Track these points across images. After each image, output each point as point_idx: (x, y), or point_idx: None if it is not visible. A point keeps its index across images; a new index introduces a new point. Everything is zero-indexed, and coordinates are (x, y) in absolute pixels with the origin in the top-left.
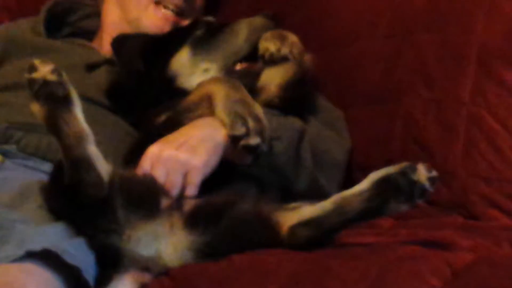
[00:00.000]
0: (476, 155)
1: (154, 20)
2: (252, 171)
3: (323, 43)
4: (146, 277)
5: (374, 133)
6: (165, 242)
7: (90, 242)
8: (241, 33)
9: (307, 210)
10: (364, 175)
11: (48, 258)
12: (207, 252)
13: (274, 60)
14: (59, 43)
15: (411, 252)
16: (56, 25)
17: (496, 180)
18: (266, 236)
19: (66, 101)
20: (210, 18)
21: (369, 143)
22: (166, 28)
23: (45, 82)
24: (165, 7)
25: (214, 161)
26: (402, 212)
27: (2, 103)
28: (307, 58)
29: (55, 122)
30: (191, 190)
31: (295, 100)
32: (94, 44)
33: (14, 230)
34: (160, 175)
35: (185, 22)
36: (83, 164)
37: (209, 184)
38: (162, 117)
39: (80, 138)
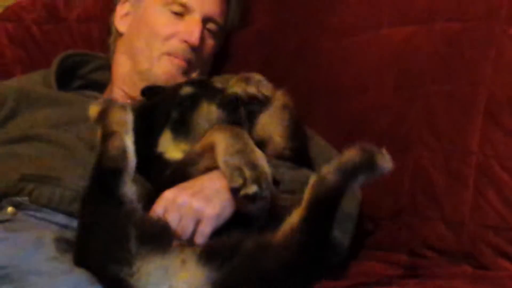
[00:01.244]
0: (484, 205)
1: (168, 68)
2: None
3: (332, 93)
4: None
5: (384, 184)
6: (177, 278)
7: (102, 279)
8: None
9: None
10: (374, 225)
11: None
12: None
13: (245, 102)
14: (69, 96)
15: None
16: (67, 77)
17: (505, 229)
18: (274, 260)
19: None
20: (186, 89)
21: (379, 195)
22: (179, 78)
23: None
24: (177, 57)
25: (227, 213)
26: (410, 263)
27: (15, 155)
28: (280, 94)
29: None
30: (201, 239)
31: (303, 148)
32: (105, 96)
33: (27, 282)
34: (173, 219)
35: (194, 74)
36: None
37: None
38: (169, 170)
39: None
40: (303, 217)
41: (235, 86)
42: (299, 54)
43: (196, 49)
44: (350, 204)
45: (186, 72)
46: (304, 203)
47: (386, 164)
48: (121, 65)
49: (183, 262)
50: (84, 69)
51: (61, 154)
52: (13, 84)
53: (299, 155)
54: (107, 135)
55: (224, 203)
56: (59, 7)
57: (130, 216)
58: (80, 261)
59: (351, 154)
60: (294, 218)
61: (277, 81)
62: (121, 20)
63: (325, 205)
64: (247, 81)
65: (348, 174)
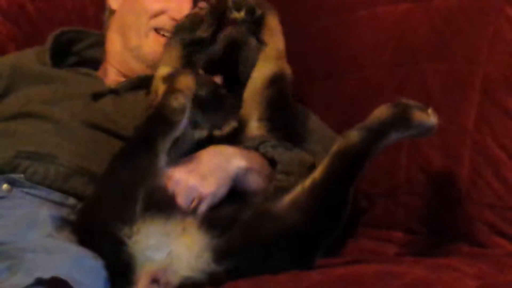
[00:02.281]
0: (481, 183)
1: (155, 47)
2: None
3: (329, 72)
4: None
5: (380, 161)
6: (177, 243)
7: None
8: None
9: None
10: (370, 202)
11: (57, 286)
12: (222, 255)
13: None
14: (64, 73)
15: (417, 279)
16: (61, 54)
17: (501, 208)
18: (274, 227)
19: None
20: None
21: (375, 172)
22: None
23: None
24: (165, 35)
25: (222, 192)
26: (406, 240)
27: (10, 132)
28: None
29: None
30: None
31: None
32: (99, 73)
33: (23, 259)
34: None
35: None
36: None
37: None
38: None
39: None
40: (321, 177)
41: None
42: (295, 34)
43: None
44: None
45: None
46: (321, 165)
47: (425, 119)
48: (113, 43)
49: (184, 229)
50: (79, 46)
51: (56, 131)
52: (6, 61)
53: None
54: (172, 91)
55: (221, 181)
56: None
57: (148, 178)
58: (84, 218)
59: (380, 111)
60: (311, 178)
61: None
62: None
63: (345, 166)
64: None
65: (375, 132)
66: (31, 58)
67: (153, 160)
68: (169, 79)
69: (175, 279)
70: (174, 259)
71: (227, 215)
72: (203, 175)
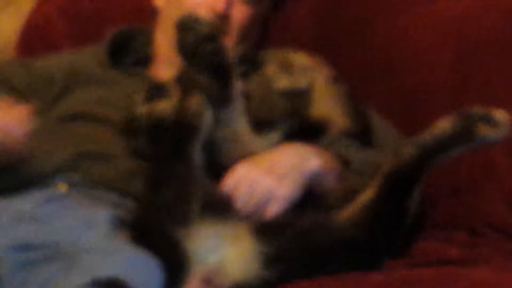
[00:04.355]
0: None
1: None
2: None
3: (389, 69)
4: None
5: None
6: (230, 247)
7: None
8: None
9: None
10: (432, 204)
11: (114, 286)
12: (274, 261)
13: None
14: (120, 74)
15: (480, 281)
16: (119, 53)
17: None
18: (332, 239)
19: None
20: None
21: (437, 172)
22: None
23: None
24: None
25: (296, 195)
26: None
27: (68, 133)
28: (322, 65)
29: None
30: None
31: (366, 125)
32: (152, 72)
33: (80, 259)
34: (243, 195)
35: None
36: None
37: None
38: None
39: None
40: (375, 195)
41: (278, 78)
42: (355, 32)
43: (224, 17)
44: None
45: None
46: (377, 179)
47: (490, 134)
48: (159, 41)
49: (238, 233)
50: (136, 44)
51: (113, 132)
52: (64, 61)
53: (363, 133)
54: (188, 94)
55: (296, 184)
56: None
57: (197, 179)
58: (140, 219)
59: (441, 125)
60: (366, 195)
61: (331, 60)
62: None
63: (398, 186)
64: (289, 70)
65: (430, 150)
66: (89, 58)
67: (189, 164)
68: (182, 80)
69: (226, 282)
70: (227, 262)
71: (282, 222)
72: (280, 176)
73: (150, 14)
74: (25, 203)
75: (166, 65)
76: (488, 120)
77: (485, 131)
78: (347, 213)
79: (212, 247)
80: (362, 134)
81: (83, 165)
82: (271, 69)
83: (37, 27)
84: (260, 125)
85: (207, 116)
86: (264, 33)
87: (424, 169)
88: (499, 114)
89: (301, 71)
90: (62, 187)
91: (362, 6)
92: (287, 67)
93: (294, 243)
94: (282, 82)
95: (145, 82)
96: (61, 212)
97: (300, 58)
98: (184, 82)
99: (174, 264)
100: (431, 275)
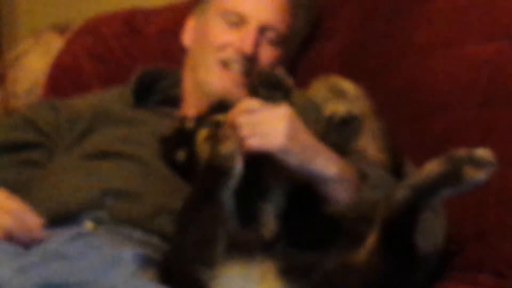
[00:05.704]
0: None
1: (222, 81)
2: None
3: (417, 112)
4: None
5: (467, 202)
6: (257, 287)
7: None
8: None
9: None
10: (459, 246)
11: None
12: None
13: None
14: (146, 114)
15: None
16: (145, 93)
17: None
18: (355, 280)
19: None
20: None
21: (462, 213)
22: (235, 90)
23: None
24: (230, 69)
25: (293, 162)
26: (496, 285)
27: (94, 170)
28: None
29: None
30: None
31: (399, 160)
32: (180, 112)
33: None
34: (245, 123)
35: None
36: None
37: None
38: None
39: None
40: (377, 237)
41: (333, 103)
42: (381, 72)
43: (252, 59)
44: (439, 229)
45: (244, 84)
46: (377, 222)
47: (476, 175)
48: (187, 81)
49: (263, 272)
50: (162, 84)
51: (140, 170)
52: (91, 101)
53: (396, 168)
54: (219, 138)
55: (298, 156)
56: (139, 21)
57: (224, 222)
58: (167, 259)
59: (430, 167)
60: (372, 237)
61: None
62: (187, 35)
63: (397, 224)
64: (343, 96)
65: (421, 191)
66: (115, 98)
67: (220, 210)
68: (212, 135)
69: None
70: None
71: (307, 261)
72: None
73: (178, 54)
74: (51, 241)
75: (194, 102)
76: (473, 162)
77: (471, 173)
78: (362, 254)
79: (239, 287)
80: (394, 171)
81: (109, 202)
82: (320, 93)
83: (65, 66)
84: None
85: (239, 161)
86: (292, 74)
87: (419, 210)
88: (482, 153)
89: (355, 98)
90: (88, 225)
91: (389, 47)
92: (339, 93)
93: (320, 284)
94: (338, 107)
95: (174, 121)
96: (87, 250)
97: (351, 86)
98: (215, 125)
99: None
100: None
